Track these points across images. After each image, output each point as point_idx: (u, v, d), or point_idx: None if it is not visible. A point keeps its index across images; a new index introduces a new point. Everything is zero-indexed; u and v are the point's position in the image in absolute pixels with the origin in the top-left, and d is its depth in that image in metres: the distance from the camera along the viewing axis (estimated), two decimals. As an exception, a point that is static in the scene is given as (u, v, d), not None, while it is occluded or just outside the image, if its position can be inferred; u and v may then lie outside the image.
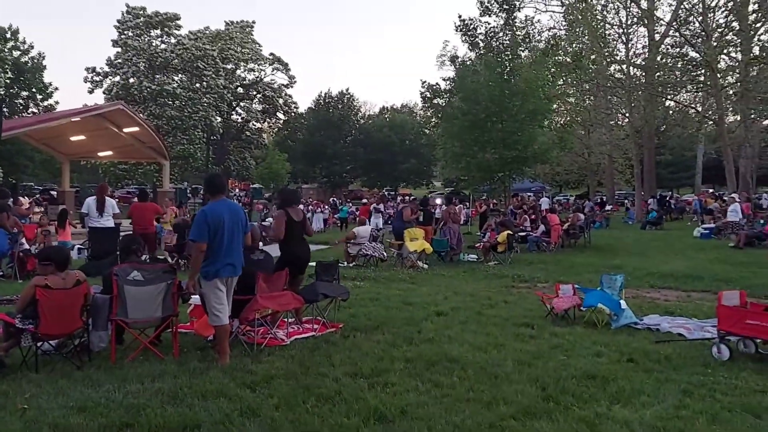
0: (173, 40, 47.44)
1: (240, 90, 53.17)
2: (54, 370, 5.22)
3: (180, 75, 47.50)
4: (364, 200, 32.90)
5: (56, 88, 50.86)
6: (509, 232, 14.55)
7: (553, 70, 25.24)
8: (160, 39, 47.87)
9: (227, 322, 5.53)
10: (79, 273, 5.66)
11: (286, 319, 6.86)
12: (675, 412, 4.19)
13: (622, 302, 7.27)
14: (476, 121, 19.45)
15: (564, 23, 32.83)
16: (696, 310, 7.99)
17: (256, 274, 6.14)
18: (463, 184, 30.86)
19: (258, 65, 53.63)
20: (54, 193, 32.55)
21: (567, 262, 13.80)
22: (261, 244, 10.61)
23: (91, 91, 49.92)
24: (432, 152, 40.01)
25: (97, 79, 47.46)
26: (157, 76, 45.30)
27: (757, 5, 23.83)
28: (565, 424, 3.94)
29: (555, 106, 30.89)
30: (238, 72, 53.23)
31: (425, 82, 36.74)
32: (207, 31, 49.84)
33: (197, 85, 46.90)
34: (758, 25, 24.92)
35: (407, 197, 45.54)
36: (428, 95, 36.15)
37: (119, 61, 45.79)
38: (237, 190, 60.70)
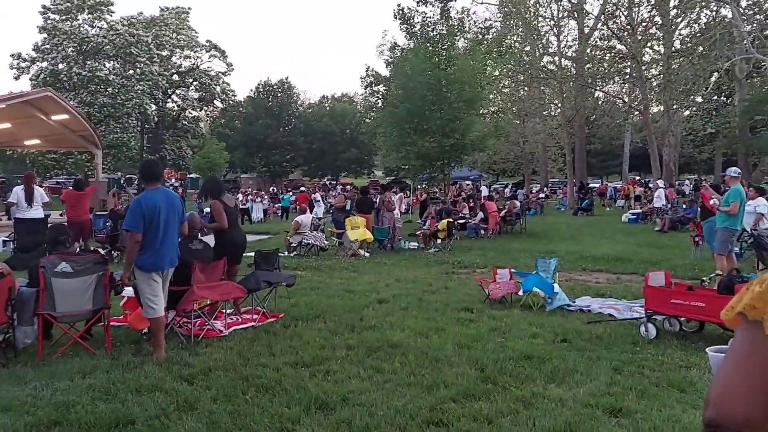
0: (105, 25, 45.40)
1: (175, 77, 51.53)
2: (-24, 369, 4.94)
3: (112, 61, 45.64)
4: (302, 188, 32.61)
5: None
6: (449, 219, 14.77)
7: (489, 61, 25.71)
8: (90, 24, 45.66)
9: (162, 314, 5.37)
10: (2, 265, 5.35)
11: (224, 310, 6.75)
12: (606, 389, 4.37)
13: (556, 285, 7.53)
14: (414, 109, 19.57)
15: (499, 15, 33.51)
16: (625, 292, 8.37)
17: (192, 263, 5.97)
18: (404, 173, 31.05)
19: (194, 52, 52.18)
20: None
21: (504, 247, 14.16)
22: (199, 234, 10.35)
23: (17, 78, 47.20)
24: (373, 141, 40.08)
25: (24, 65, 44.95)
26: (88, 62, 43.27)
27: (677, 1, 25.07)
28: (503, 404, 4.04)
29: (492, 96, 31.52)
30: (174, 59, 51.62)
31: (369, 67, 36.65)
32: (141, 17, 47.99)
33: (130, 71, 45.16)
34: (678, 20, 26.24)
35: (347, 186, 45.50)
36: (371, 80, 36.09)
37: (47, 46, 43.47)
38: (173, 180, 58.87)
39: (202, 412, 3.96)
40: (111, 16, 46.40)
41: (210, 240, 7.11)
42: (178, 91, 52.79)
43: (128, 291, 5.97)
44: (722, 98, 35.36)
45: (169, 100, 52.30)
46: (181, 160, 53.09)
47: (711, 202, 10.15)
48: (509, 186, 39.72)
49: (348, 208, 14.70)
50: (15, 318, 5.30)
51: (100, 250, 11.12)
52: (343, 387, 4.38)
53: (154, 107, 48.56)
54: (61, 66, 43.11)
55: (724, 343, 5.43)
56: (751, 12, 24.66)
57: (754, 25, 23.43)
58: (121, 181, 44.32)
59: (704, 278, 7.23)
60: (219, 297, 6.16)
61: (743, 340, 1.08)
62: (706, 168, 47.58)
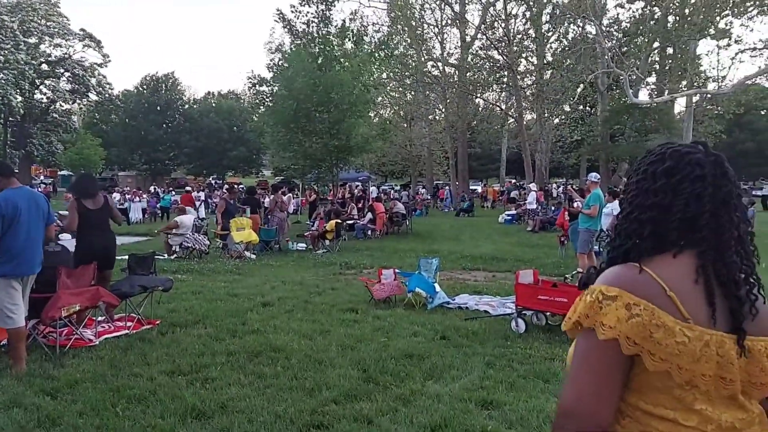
0: None
1: (45, 67, 47.15)
2: None
3: None
4: (188, 188, 31.22)
5: None
6: (338, 220, 14.85)
7: (375, 63, 26.11)
8: None
9: (23, 323, 4.95)
10: None
11: (95, 318, 6.32)
12: (480, 383, 4.62)
13: (436, 285, 7.84)
14: (300, 109, 19.49)
15: (386, 20, 34.16)
16: (499, 289, 8.89)
17: (56, 268, 5.51)
18: (292, 172, 30.77)
19: (66, 41, 47.98)
20: None
21: (391, 248, 14.49)
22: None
23: None
24: (260, 140, 39.29)
25: None
26: None
27: (549, 16, 27.01)
28: (383, 403, 4.15)
29: (379, 99, 32.01)
30: (43, 47, 47.23)
31: (252, 71, 35.85)
32: (5, 0, 43.50)
33: None
34: (550, 34, 28.26)
35: (235, 186, 44.01)
36: (255, 82, 35.31)
37: None
38: (42, 177, 54.11)
39: (65, 428, 3.73)
40: (-33, -3, 41.68)
41: (70, 244, 6.60)
42: (47, 82, 48.34)
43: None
44: (587, 108, 38.50)
45: (36, 90, 47.76)
46: (50, 155, 48.84)
47: (575, 205, 11.14)
48: (404, 188, 40.62)
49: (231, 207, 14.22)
50: None
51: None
52: (222, 394, 4.28)
53: (19, 98, 44.18)
54: None
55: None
56: (611, 30, 27.01)
57: (614, 41, 25.73)
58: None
59: (567, 275, 7.87)
60: (88, 303, 5.75)
61: (584, 347, 1.22)
62: (573, 172, 51.49)
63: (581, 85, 28.56)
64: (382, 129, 26.97)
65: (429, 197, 36.15)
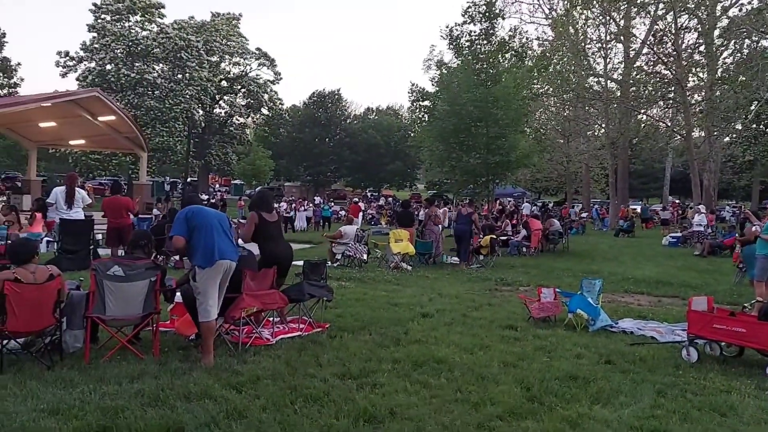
0: (155, 28, 45.87)
1: (224, 83, 51.94)
2: (21, 370, 4.90)
3: (161, 64, 45.72)
4: (355, 199, 33.00)
5: (18, 64, 49.21)
6: (492, 235, 14.74)
7: (535, 77, 25.55)
8: (140, 26, 45.82)
9: (215, 318, 5.42)
10: (52, 267, 5.32)
11: (271, 319, 6.80)
12: (650, 412, 4.37)
13: (599, 307, 7.50)
14: (460, 124, 19.67)
15: (549, 35, 33.34)
16: (666, 315, 8.35)
17: (242, 270, 5.96)
18: (447, 187, 31.09)
19: (244, 59, 52.50)
20: (19, 182, 30.53)
21: (547, 266, 14.06)
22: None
23: (63, 76, 47.57)
24: (417, 154, 40.14)
25: (71, 63, 44.93)
26: (137, 65, 43.50)
27: (721, 30, 24.73)
28: (549, 424, 4.05)
29: (537, 114, 31.27)
30: (223, 65, 52.07)
31: (415, 84, 37.00)
32: (192, 21, 48.58)
33: (179, 76, 45.37)
34: (722, 48, 25.84)
35: (389, 198, 45.44)
36: (417, 96, 36.28)
37: (95, 46, 43.44)
38: (217, 186, 59.96)
39: (251, 421, 3.94)
40: (162, 19, 46.99)
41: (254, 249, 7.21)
42: (225, 98, 53.04)
43: (178, 296, 6.07)
44: (761, 127, 34.69)
45: (216, 105, 52.61)
46: (226, 165, 53.67)
47: (753, 229, 10.15)
48: (557, 205, 39.40)
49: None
50: (64, 321, 5.31)
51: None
52: (391, 400, 4.39)
53: (201, 112, 48.83)
54: (109, 67, 43.00)
55: (761, 368, 5.36)
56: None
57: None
58: (166, 186, 44.94)
59: (746, 304, 7.23)
60: (264, 305, 6.20)
61: None
62: (744, 194, 46.43)
63: (755, 102, 25.77)
64: (540, 146, 26.36)
65: (584, 216, 34.58)
